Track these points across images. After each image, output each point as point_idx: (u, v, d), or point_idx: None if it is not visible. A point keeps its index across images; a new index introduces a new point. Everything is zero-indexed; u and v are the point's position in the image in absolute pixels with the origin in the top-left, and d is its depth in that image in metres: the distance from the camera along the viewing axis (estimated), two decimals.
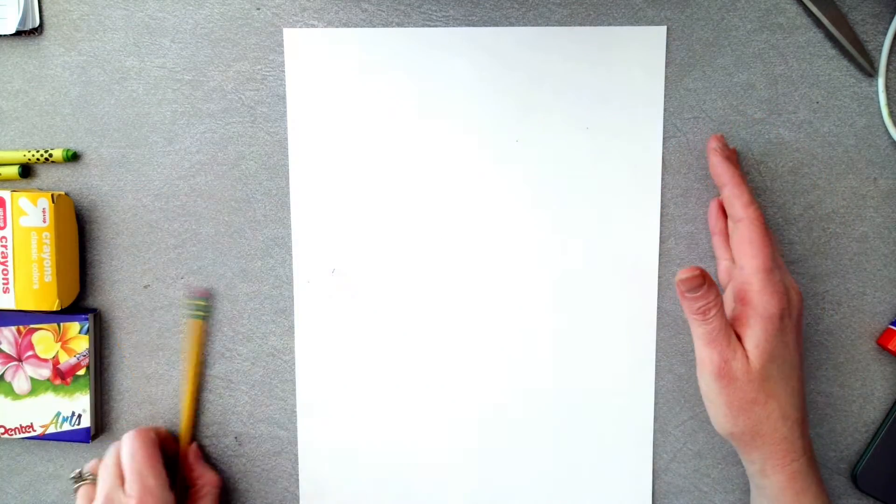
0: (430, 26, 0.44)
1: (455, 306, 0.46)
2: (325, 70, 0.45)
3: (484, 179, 0.45)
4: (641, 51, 0.44)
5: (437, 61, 0.45)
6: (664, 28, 0.44)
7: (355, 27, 0.45)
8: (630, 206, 0.45)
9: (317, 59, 0.45)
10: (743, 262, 0.38)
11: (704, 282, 0.37)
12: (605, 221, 0.45)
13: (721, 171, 0.40)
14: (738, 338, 0.38)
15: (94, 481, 0.43)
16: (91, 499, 0.42)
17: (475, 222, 0.45)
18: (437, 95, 0.45)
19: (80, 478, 0.44)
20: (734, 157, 0.42)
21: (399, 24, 0.45)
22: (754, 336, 0.37)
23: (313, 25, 0.45)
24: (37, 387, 0.46)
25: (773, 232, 0.44)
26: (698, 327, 0.38)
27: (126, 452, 0.42)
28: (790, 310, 0.38)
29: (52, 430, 0.46)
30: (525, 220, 0.45)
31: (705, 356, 0.38)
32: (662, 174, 0.45)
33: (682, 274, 0.37)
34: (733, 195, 0.40)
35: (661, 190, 0.45)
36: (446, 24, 0.44)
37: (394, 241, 0.46)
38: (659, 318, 0.45)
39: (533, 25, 0.44)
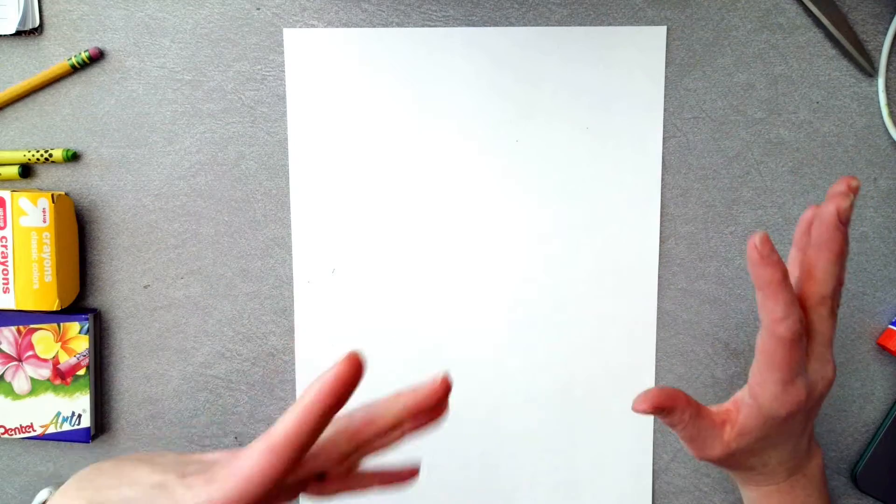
0: (429, 26, 0.44)
1: (455, 305, 0.46)
2: (326, 70, 0.45)
3: (484, 179, 0.45)
4: (642, 51, 0.44)
5: (438, 62, 0.45)
6: (664, 28, 0.44)
7: (355, 27, 0.45)
8: (630, 206, 0.45)
9: (317, 59, 0.45)
10: (762, 368, 0.34)
11: (663, 408, 0.34)
12: (605, 221, 0.45)
13: (757, 273, 0.33)
14: (731, 418, 0.36)
15: None
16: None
17: (475, 222, 0.45)
18: (438, 96, 0.45)
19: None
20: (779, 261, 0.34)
21: (399, 24, 0.45)
22: (744, 426, 0.35)
23: (313, 25, 0.45)
24: (37, 387, 0.46)
25: (780, 240, 0.44)
26: (678, 433, 0.36)
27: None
28: (807, 404, 0.34)
29: (52, 430, 0.46)
30: (525, 221, 0.45)
31: (686, 445, 0.37)
32: (662, 174, 0.45)
33: (640, 403, 0.34)
34: (764, 307, 0.33)
35: (661, 190, 0.45)
36: (446, 24, 0.44)
37: (394, 241, 0.46)
38: (659, 318, 0.46)
39: (533, 25, 0.44)
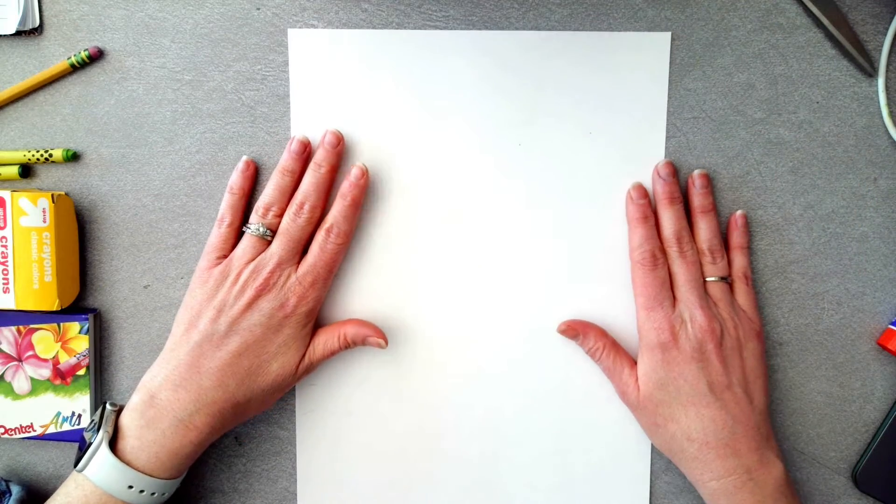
0: (429, 26, 0.44)
1: (456, 309, 0.46)
2: (329, 72, 0.45)
3: (487, 183, 0.45)
4: (645, 56, 0.44)
5: (441, 65, 0.44)
6: (668, 35, 0.44)
7: (355, 27, 0.45)
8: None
9: (321, 60, 0.45)
10: (634, 298, 0.43)
11: (578, 332, 0.44)
12: (608, 226, 0.45)
13: (628, 209, 0.44)
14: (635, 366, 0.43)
15: (268, 238, 0.42)
16: (256, 253, 0.42)
17: (478, 226, 0.45)
18: (440, 99, 0.45)
19: (260, 229, 0.42)
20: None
21: (399, 24, 0.45)
22: (642, 365, 0.42)
23: (313, 25, 0.45)
24: (37, 387, 0.46)
25: (772, 229, 0.44)
26: (597, 364, 0.45)
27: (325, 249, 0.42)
28: (679, 341, 0.41)
29: (52, 430, 0.46)
30: (528, 224, 0.45)
31: (613, 386, 0.44)
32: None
33: (560, 326, 0.45)
34: (630, 232, 0.44)
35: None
36: (446, 24, 0.44)
37: (394, 243, 0.46)
38: None
39: (533, 25, 0.44)
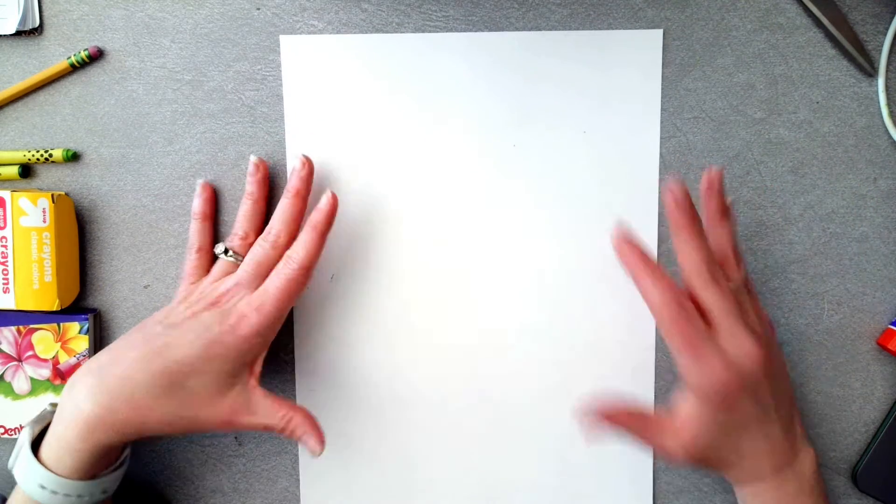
0: (429, 26, 0.44)
1: (454, 308, 0.46)
2: (323, 76, 0.45)
3: (482, 183, 0.45)
4: (638, 54, 0.44)
5: (434, 66, 0.44)
6: (660, 31, 0.44)
7: (355, 27, 0.45)
8: (628, 208, 0.45)
9: (314, 65, 0.45)
10: (670, 349, 0.37)
11: (603, 416, 0.38)
12: (604, 224, 0.45)
13: (627, 262, 0.38)
14: (677, 416, 0.38)
15: (236, 262, 0.42)
16: (225, 274, 0.42)
17: (474, 226, 0.45)
18: (434, 100, 0.45)
19: (225, 252, 0.42)
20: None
21: (399, 24, 0.45)
22: (694, 416, 0.37)
23: (313, 26, 0.45)
24: (37, 387, 0.46)
25: (770, 233, 0.44)
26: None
27: (283, 275, 0.40)
28: (738, 381, 0.35)
29: None
30: (524, 224, 0.45)
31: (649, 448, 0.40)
32: (662, 174, 0.45)
33: (587, 428, 0.39)
34: (646, 293, 0.37)
35: (660, 191, 0.45)
36: (446, 24, 0.44)
37: (392, 245, 0.46)
38: None
39: (533, 25, 0.44)
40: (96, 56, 0.45)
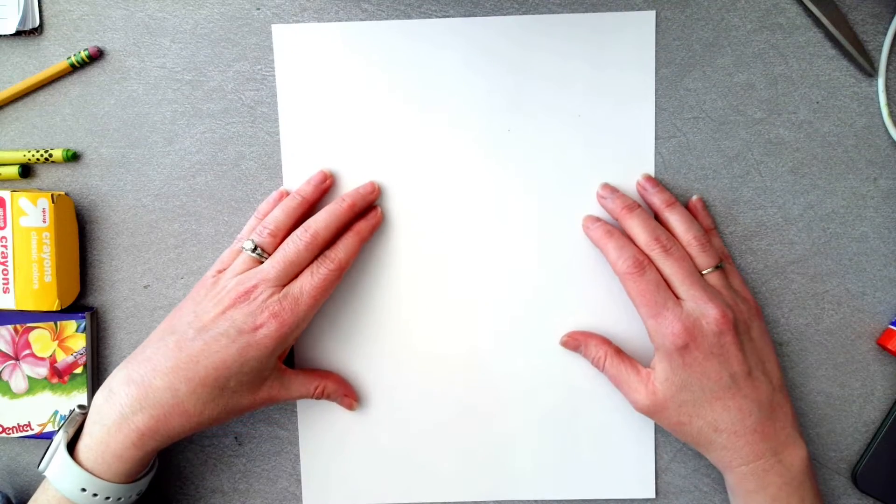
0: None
1: (452, 299, 0.46)
2: (315, 65, 0.45)
3: (477, 170, 0.45)
4: (631, 36, 0.44)
5: (427, 53, 0.44)
6: (653, 13, 0.44)
7: (348, 22, 0.45)
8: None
9: (306, 54, 0.45)
10: (637, 310, 0.41)
11: (579, 343, 0.44)
12: (600, 208, 0.45)
13: (589, 235, 0.44)
14: (651, 370, 0.42)
15: (260, 259, 0.41)
16: (247, 268, 0.41)
17: (469, 213, 0.45)
18: (427, 86, 0.45)
19: (254, 249, 0.41)
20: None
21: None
22: (661, 370, 0.41)
23: None
24: (34, 385, 0.46)
25: (768, 230, 0.44)
26: (603, 374, 0.44)
27: (309, 280, 0.41)
28: (697, 340, 0.39)
29: (49, 428, 0.46)
30: (519, 210, 0.45)
31: (623, 395, 0.43)
32: (663, 174, 0.45)
33: (561, 339, 0.45)
34: (604, 253, 0.43)
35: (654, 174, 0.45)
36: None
37: (388, 234, 0.46)
38: None
39: (526, 9, 0.44)
40: (96, 56, 0.45)
